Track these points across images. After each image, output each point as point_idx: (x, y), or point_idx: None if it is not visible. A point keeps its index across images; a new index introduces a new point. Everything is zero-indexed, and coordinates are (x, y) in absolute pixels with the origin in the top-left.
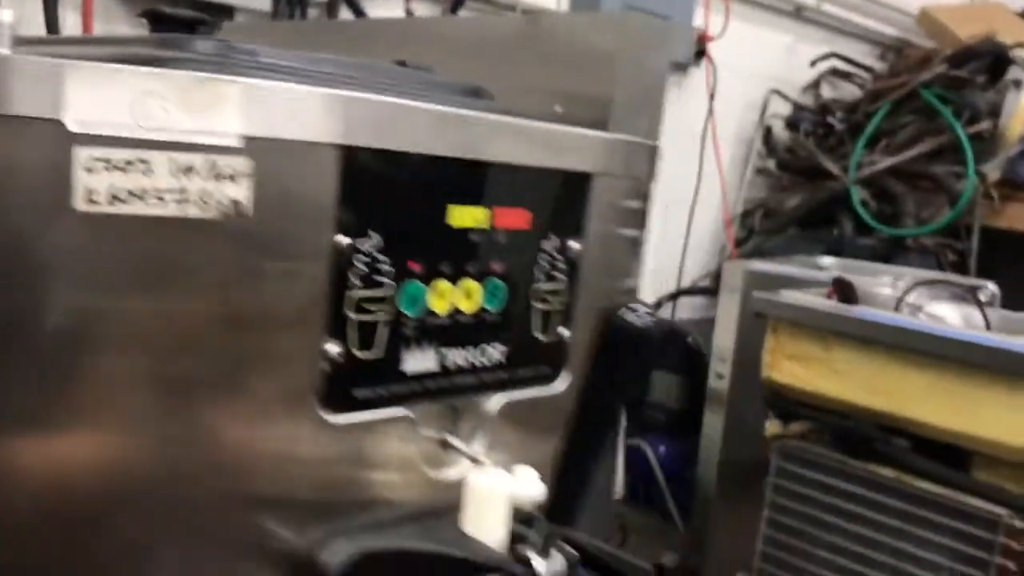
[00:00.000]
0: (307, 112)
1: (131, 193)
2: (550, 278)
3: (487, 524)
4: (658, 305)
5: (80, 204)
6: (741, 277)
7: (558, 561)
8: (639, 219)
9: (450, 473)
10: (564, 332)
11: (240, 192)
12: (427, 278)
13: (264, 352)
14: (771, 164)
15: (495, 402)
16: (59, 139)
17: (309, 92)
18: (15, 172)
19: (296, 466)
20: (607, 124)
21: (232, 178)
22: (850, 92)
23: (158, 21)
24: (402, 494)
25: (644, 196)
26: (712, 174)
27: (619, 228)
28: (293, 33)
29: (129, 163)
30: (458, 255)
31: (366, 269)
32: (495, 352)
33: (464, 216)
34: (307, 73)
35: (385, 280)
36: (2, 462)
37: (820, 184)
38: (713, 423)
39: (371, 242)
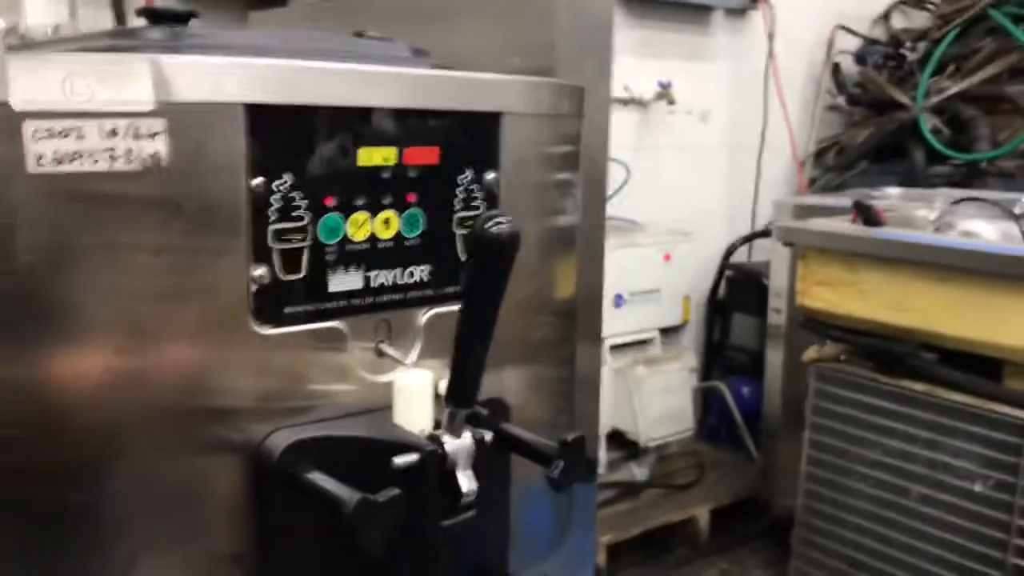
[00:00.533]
0: (213, 79)
1: (70, 154)
2: (469, 207)
3: (413, 416)
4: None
5: (31, 167)
6: (789, 212)
7: (467, 439)
8: (569, 161)
9: (383, 377)
10: None
11: (158, 147)
12: (343, 211)
13: (198, 277)
14: (841, 101)
15: (422, 316)
16: (9, 116)
17: (214, 62)
18: None
19: (240, 375)
20: (553, 71)
21: (151, 136)
22: (921, 22)
23: (154, 17)
24: (342, 397)
25: (572, 138)
26: (779, 117)
27: (544, 167)
28: (312, 12)
29: (66, 131)
30: (370, 190)
31: (282, 204)
32: (420, 272)
33: (372, 156)
34: (237, 48)
35: (302, 214)
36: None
37: (890, 116)
38: (774, 357)
39: (284, 183)
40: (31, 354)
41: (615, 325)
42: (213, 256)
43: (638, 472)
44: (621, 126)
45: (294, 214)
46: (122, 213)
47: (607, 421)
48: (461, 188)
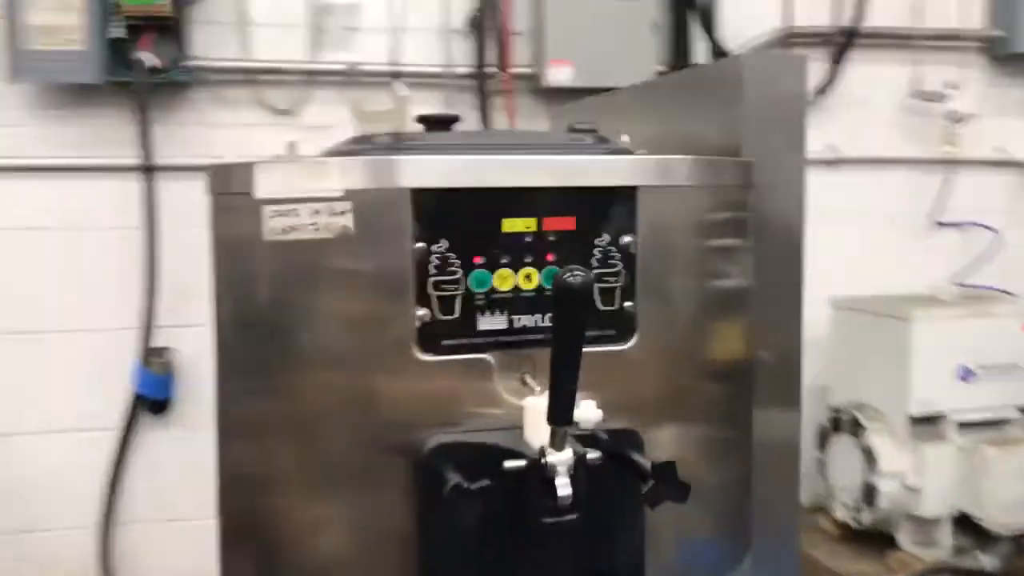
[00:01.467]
0: (388, 172)
1: (289, 228)
2: (606, 264)
3: (538, 432)
4: None
5: (267, 236)
6: None
7: (567, 454)
8: (732, 228)
9: (521, 402)
10: (628, 304)
11: (346, 222)
12: (489, 267)
13: (376, 317)
14: None
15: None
16: (254, 203)
17: (389, 159)
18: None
19: (407, 392)
20: (738, 148)
21: (341, 213)
22: None
23: (429, 123)
24: (488, 415)
25: (735, 206)
26: None
27: (694, 233)
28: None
29: (286, 212)
30: (513, 251)
31: (439, 262)
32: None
33: (516, 224)
34: (432, 148)
35: (455, 269)
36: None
37: None
38: None
39: (441, 246)
40: (275, 379)
41: (961, 400)
42: (387, 301)
43: (986, 561)
44: (990, 189)
45: (449, 269)
46: (323, 270)
47: (953, 502)
48: (599, 249)
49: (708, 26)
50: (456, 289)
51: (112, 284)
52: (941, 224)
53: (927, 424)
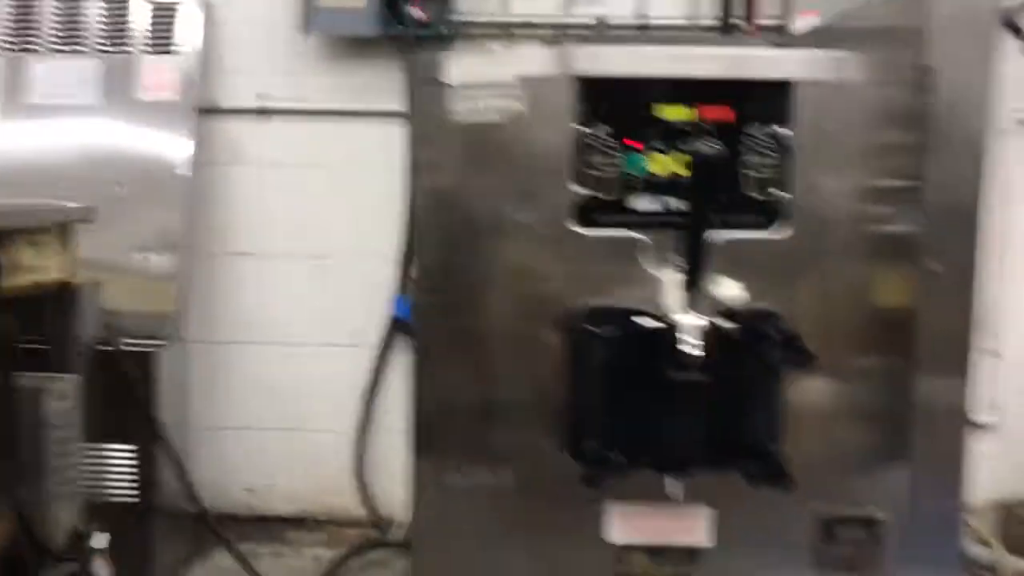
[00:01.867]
0: (556, 60)
1: (473, 111)
2: (759, 154)
3: (675, 301)
4: None
5: (456, 118)
6: None
7: (697, 319)
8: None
9: (663, 276)
10: (778, 193)
11: (519, 104)
12: (646, 152)
13: (542, 193)
14: None
15: (716, 237)
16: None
17: (555, 49)
18: None
19: (566, 265)
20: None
21: (515, 97)
22: None
23: None
24: (636, 287)
25: (911, 109)
26: None
27: (855, 129)
28: None
29: (470, 96)
30: (668, 138)
31: (600, 145)
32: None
33: (672, 112)
34: (595, 39)
35: (612, 152)
36: None
37: None
38: None
39: (599, 130)
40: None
41: None
42: (549, 177)
43: None
44: None
45: (606, 150)
46: (498, 149)
47: None
48: (753, 139)
49: None
50: (613, 171)
51: (377, 217)
52: None
53: None
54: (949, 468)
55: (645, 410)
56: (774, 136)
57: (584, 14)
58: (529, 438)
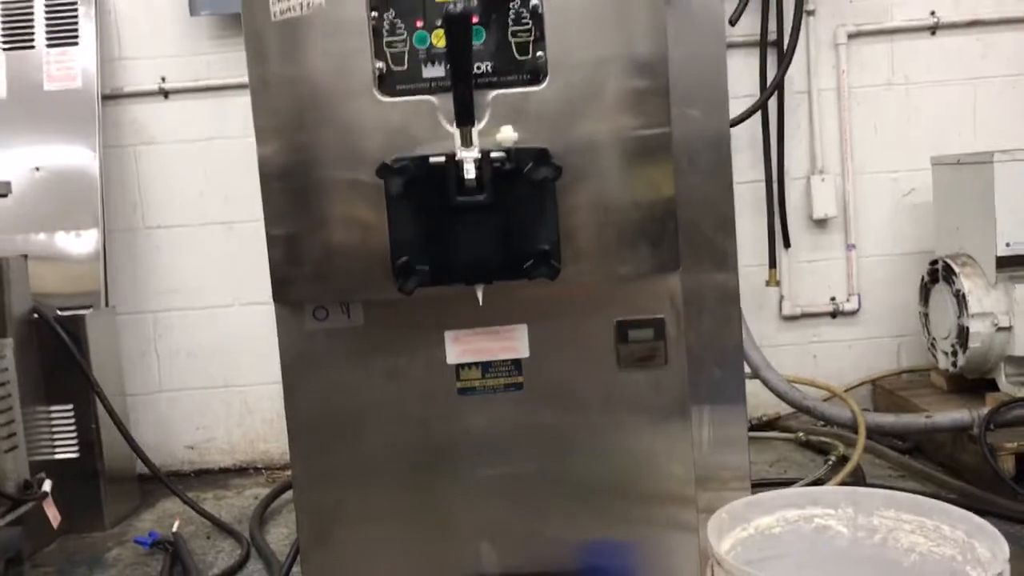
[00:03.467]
0: None
1: (287, 9)
2: (519, 23)
3: (456, 145)
4: None
5: (274, 18)
6: None
7: (474, 151)
8: None
9: (453, 128)
10: (539, 54)
11: (321, 0)
12: (427, 29)
13: (349, 70)
14: None
15: (489, 95)
16: None
17: None
18: None
19: (372, 124)
20: None
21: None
22: None
23: None
24: (432, 141)
25: None
26: None
27: None
28: None
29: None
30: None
31: (389, 25)
32: (484, 66)
33: None
34: None
35: (401, 32)
36: None
37: None
38: None
39: (389, 15)
40: (294, 116)
41: None
42: (355, 58)
43: None
44: None
45: (396, 31)
46: (311, 36)
47: None
48: (512, 11)
49: None
50: (403, 46)
51: None
52: None
53: (1018, 265)
54: (719, 283)
55: (443, 231)
56: (529, 7)
57: None
58: (370, 277)
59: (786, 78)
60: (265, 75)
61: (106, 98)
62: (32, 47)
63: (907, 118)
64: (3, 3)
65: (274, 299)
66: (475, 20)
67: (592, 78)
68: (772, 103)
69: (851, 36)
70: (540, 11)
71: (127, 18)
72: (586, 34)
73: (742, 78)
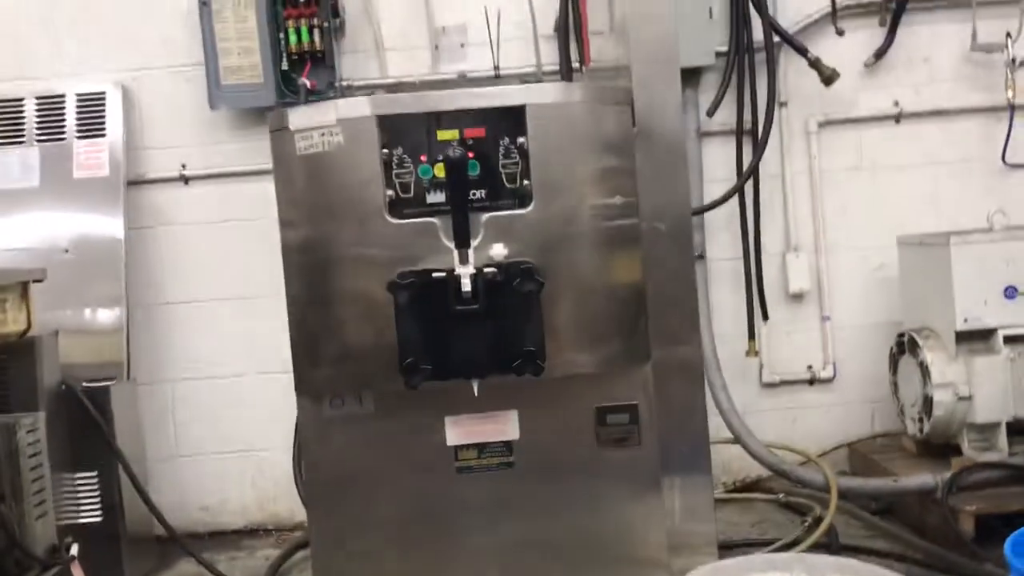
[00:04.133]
0: (363, 107)
1: (309, 146)
2: (508, 157)
3: (455, 261)
4: None
5: (298, 153)
6: None
7: (470, 268)
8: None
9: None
10: (526, 182)
11: (340, 139)
12: (430, 162)
13: (364, 196)
14: None
15: (483, 217)
16: (291, 132)
17: (362, 99)
18: None
19: (381, 245)
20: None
21: (335, 134)
22: None
23: None
24: (435, 258)
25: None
26: None
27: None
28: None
29: (306, 136)
30: (445, 151)
31: (398, 160)
32: (480, 193)
33: (444, 135)
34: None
35: (408, 165)
36: None
37: None
38: None
39: (398, 151)
40: (313, 228)
41: (1008, 317)
42: (369, 187)
43: None
44: None
45: (404, 165)
46: (331, 170)
47: (1007, 409)
48: (502, 148)
49: (762, 10)
50: (409, 177)
51: None
52: (1010, 165)
53: (977, 339)
54: (686, 368)
55: (443, 334)
56: (516, 144)
57: (449, 70)
58: (381, 372)
59: (761, 163)
60: (292, 198)
61: (130, 183)
62: (63, 139)
63: (874, 199)
64: (37, 99)
65: (296, 391)
66: (471, 155)
67: (571, 203)
68: (748, 186)
69: (821, 125)
70: (526, 147)
71: (151, 111)
72: (565, 165)
73: (720, 163)
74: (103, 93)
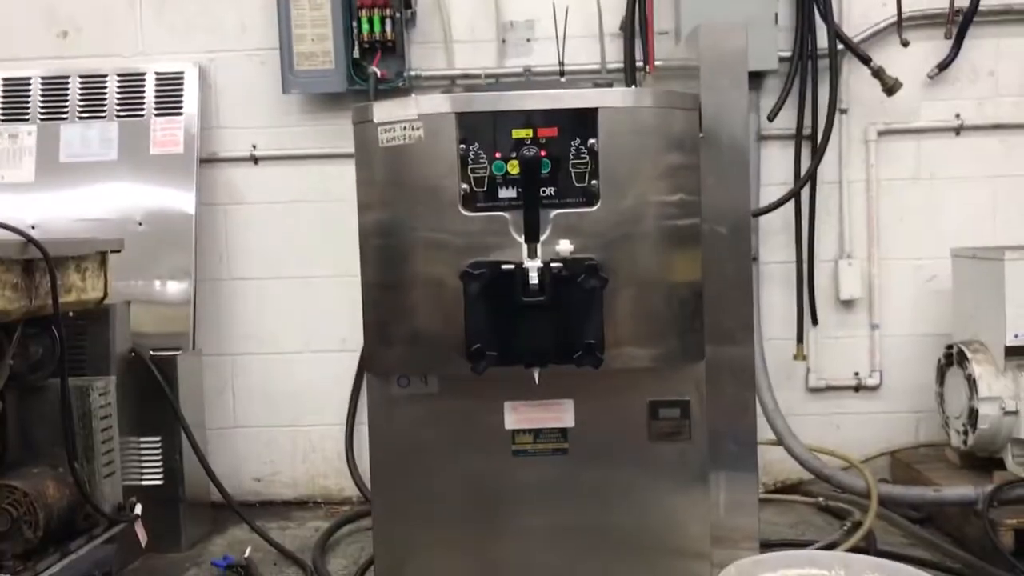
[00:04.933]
0: (441, 103)
1: (392, 139)
2: (579, 157)
3: (523, 255)
4: None
5: (381, 144)
6: None
7: (537, 262)
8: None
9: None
10: (594, 182)
11: (420, 133)
12: (504, 159)
13: (441, 188)
14: None
15: (551, 214)
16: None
17: (441, 97)
18: None
19: (456, 235)
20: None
21: (416, 128)
22: None
23: None
24: (506, 249)
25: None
26: None
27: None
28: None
29: (389, 129)
30: (519, 149)
31: (473, 156)
32: (549, 191)
33: (519, 133)
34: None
35: (483, 161)
36: None
37: None
38: None
39: (474, 147)
40: (393, 217)
41: None
42: (446, 179)
43: None
44: None
45: (479, 160)
46: (411, 162)
47: None
48: (573, 148)
49: (827, 17)
50: (484, 172)
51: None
52: None
53: None
54: (737, 367)
55: (509, 324)
56: (587, 145)
57: (515, 64)
58: (447, 356)
59: (818, 169)
60: (372, 187)
61: (203, 161)
62: (142, 115)
63: (931, 210)
64: (119, 76)
65: (367, 370)
66: (543, 154)
67: (636, 203)
68: (805, 191)
69: (881, 134)
70: (596, 149)
71: (225, 92)
72: (632, 167)
73: (778, 167)
74: (181, 73)
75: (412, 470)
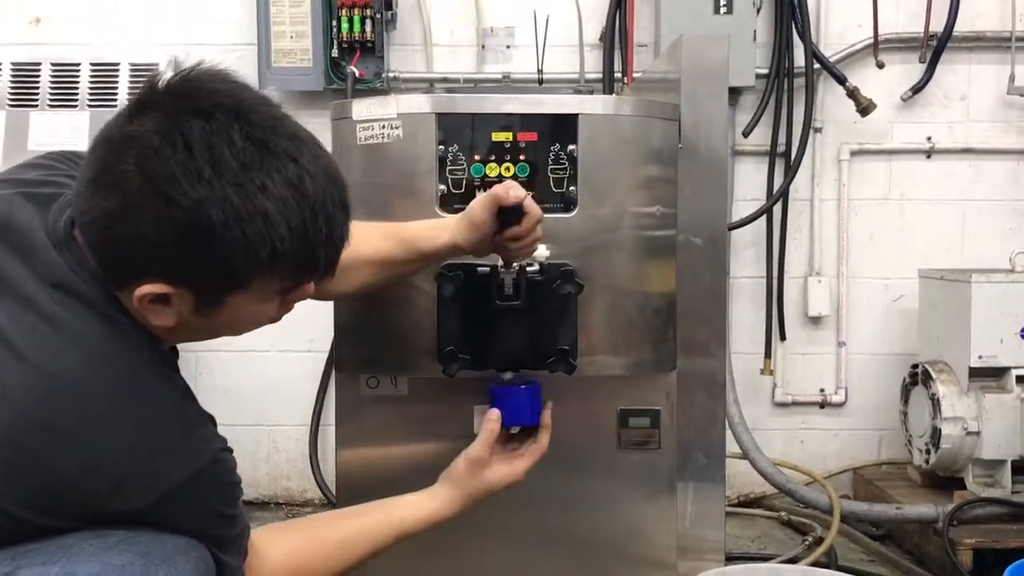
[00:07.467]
0: (422, 103)
1: (370, 136)
2: (558, 162)
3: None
4: None
5: (359, 142)
6: None
7: (514, 269)
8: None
9: None
10: (572, 188)
11: (399, 132)
12: (483, 162)
13: (419, 186)
14: None
15: None
16: (353, 123)
17: (423, 97)
18: None
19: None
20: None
21: (396, 127)
22: None
23: None
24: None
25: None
26: None
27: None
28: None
29: (367, 127)
30: (498, 153)
31: (452, 157)
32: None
33: (499, 135)
34: (455, 91)
35: (461, 162)
36: None
37: None
38: None
39: (453, 148)
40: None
41: (1022, 358)
42: (423, 180)
43: None
44: None
45: (457, 162)
46: (388, 161)
47: (1014, 447)
48: (552, 153)
49: (805, 37)
50: (462, 174)
51: None
52: None
53: (990, 377)
54: (709, 381)
55: (484, 328)
56: (566, 151)
57: (494, 70)
58: (418, 358)
59: (791, 187)
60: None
61: None
62: (115, 107)
63: (900, 231)
64: (92, 66)
65: (335, 369)
66: (522, 158)
67: (613, 210)
68: (776, 208)
69: (853, 153)
70: (575, 155)
71: None
72: (610, 174)
73: (750, 183)
74: (156, 64)
75: (378, 470)
